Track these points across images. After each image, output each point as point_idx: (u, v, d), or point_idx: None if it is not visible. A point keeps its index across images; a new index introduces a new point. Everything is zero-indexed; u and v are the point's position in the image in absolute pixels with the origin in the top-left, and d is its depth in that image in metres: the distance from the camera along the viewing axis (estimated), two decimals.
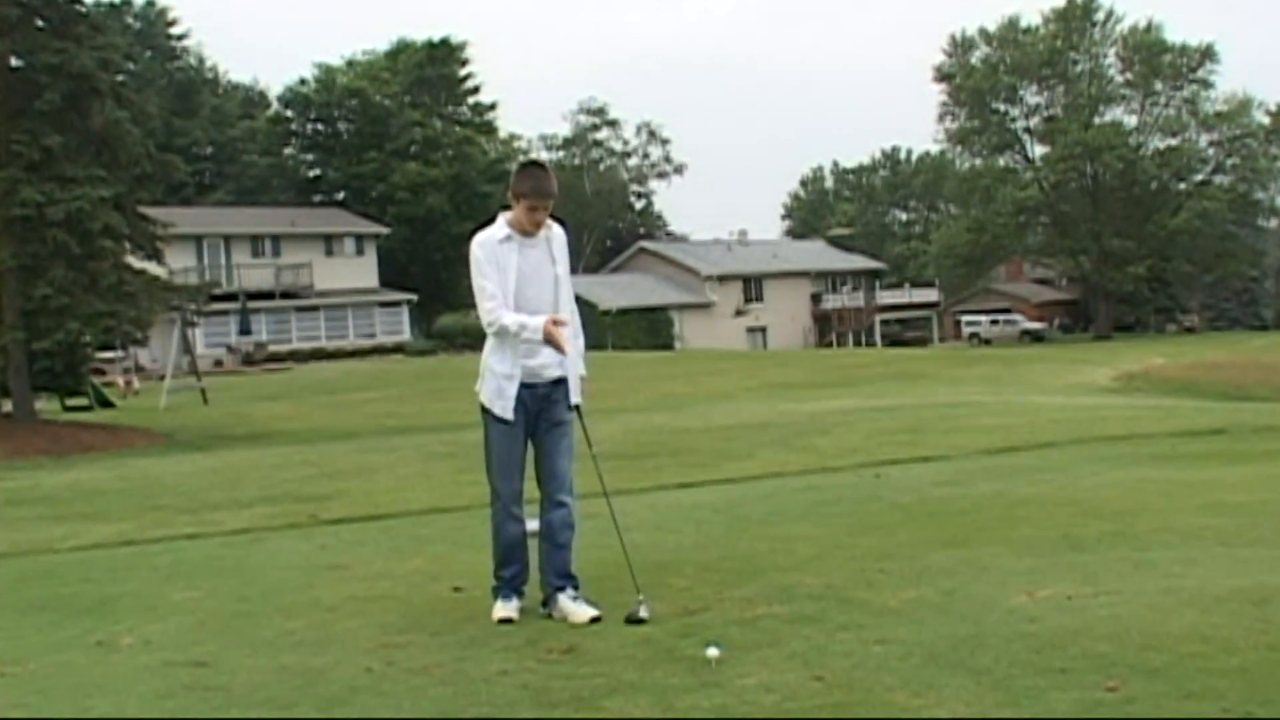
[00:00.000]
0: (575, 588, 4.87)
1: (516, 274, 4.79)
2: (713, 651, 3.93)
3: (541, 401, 4.90)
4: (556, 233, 4.97)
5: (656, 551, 6.06)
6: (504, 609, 4.85)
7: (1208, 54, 63.00)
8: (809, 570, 5.38)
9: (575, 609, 4.76)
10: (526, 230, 4.85)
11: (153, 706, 3.86)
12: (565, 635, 4.47)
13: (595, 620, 4.66)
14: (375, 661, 4.25)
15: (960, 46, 67.44)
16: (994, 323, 66.57)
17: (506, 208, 4.91)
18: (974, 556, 5.48)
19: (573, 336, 4.91)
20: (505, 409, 4.86)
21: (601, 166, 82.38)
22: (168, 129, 48.95)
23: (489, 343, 4.94)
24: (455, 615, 4.96)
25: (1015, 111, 67.25)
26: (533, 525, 6.72)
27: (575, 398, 4.96)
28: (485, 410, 4.93)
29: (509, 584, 4.93)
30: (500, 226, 4.88)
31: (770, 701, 3.51)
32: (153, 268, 22.74)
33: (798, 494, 8.36)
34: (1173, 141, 64.49)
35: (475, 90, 67.97)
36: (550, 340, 4.75)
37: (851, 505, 7.54)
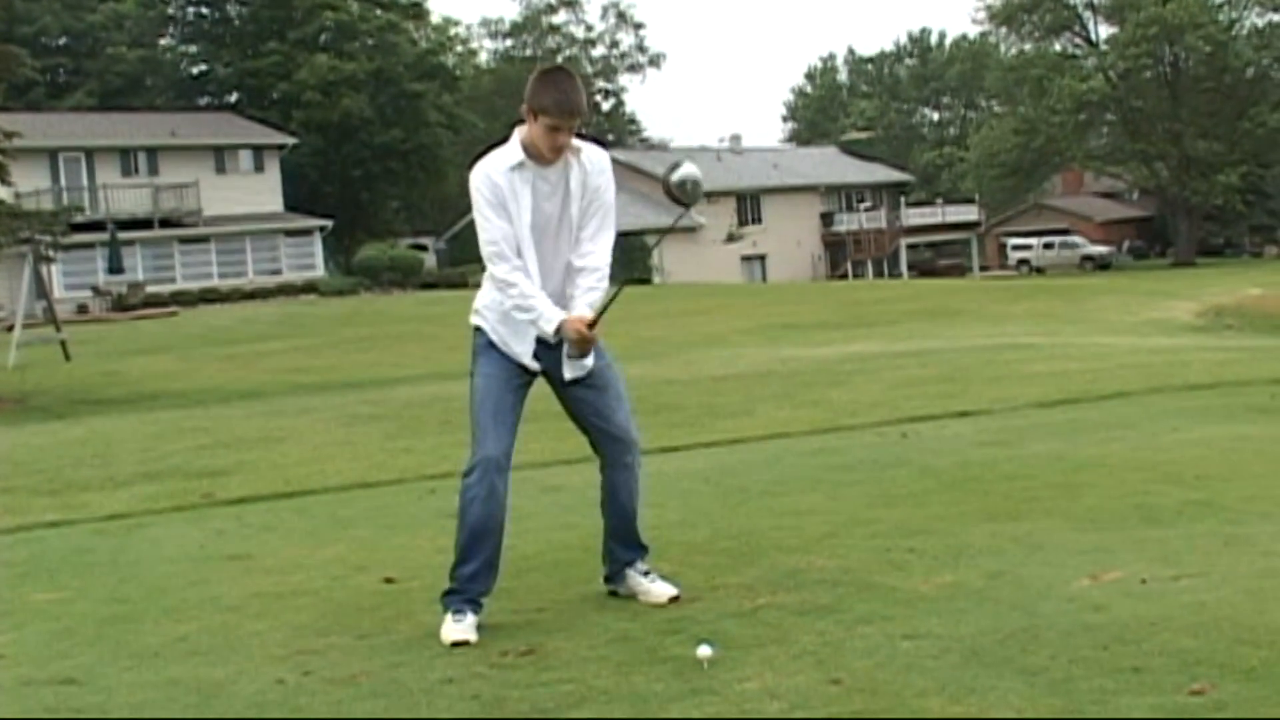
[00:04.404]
0: (644, 559, 4.96)
1: (531, 214, 4.63)
2: (705, 651, 3.96)
3: (557, 351, 4.73)
4: (590, 159, 4.75)
5: None
6: (456, 629, 4.51)
7: None
8: (821, 551, 5.43)
9: (651, 588, 4.83)
10: (545, 157, 4.65)
11: None
12: (523, 634, 4.50)
13: (674, 600, 4.74)
14: (288, 671, 4.26)
15: None
16: (1048, 247, 66.82)
17: (520, 122, 4.68)
18: (1025, 532, 5.53)
19: (596, 283, 4.74)
20: (521, 350, 4.72)
21: (560, 58, 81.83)
22: (7, 14, 48.20)
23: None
24: (387, 612, 4.98)
25: None
26: None
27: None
28: (480, 338, 4.78)
29: (466, 590, 4.64)
30: (513, 149, 4.67)
31: (776, 710, 3.55)
32: None
33: (806, 458, 8.41)
34: (1275, 17, 64.44)
35: None
36: (571, 341, 4.64)
37: (873, 471, 7.60)
